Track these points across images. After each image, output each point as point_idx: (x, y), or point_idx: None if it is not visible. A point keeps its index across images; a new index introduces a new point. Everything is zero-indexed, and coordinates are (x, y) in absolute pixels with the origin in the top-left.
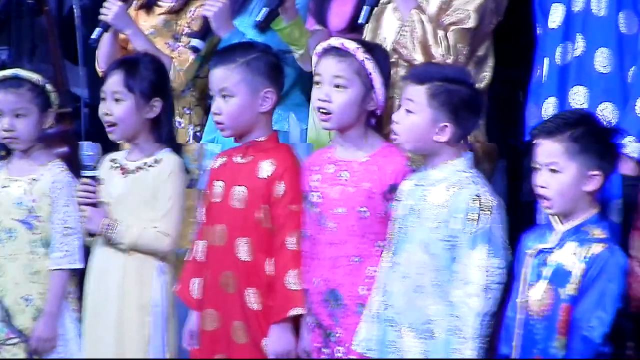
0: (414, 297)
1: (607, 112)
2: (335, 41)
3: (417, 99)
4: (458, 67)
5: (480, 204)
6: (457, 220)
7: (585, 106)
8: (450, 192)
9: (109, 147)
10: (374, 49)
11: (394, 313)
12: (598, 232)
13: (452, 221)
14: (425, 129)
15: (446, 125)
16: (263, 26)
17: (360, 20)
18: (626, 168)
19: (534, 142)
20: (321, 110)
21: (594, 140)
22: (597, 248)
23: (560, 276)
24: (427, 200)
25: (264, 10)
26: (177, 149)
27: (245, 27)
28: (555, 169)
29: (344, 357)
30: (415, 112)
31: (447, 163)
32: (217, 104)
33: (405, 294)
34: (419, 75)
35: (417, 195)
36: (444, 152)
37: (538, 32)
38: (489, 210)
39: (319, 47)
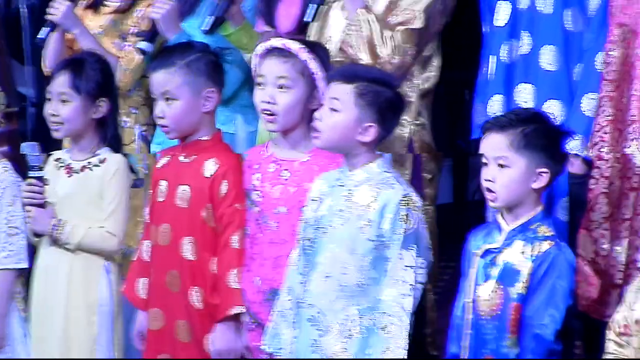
0: (338, 297)
1: (553, 110)
2: (277, 42)
3: (343, 98)
4: (383, 71)
5: (409, 205)
6: (386, 220)
7: (531, 104)
8: (376, 192)
9: (54, 146)
10: (316, 48)
11: (317, 312)
12: (545, 230)
13: (381, 221)
14: (350, 128)
15: (371, 126)
16: (209, 33)
17: (306, 19)
18: (575, 166)
19: (484, 135)
20: (266, 112)
21: (545, 138)
22: (544, 246)
23: (509, 275)
24: (352, 200)
25: (209, 19)
26: (120, 148)
27: (193, 29)
28: (504, 164)
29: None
30: (341, 111)
31: (369, 164)
32: (161, 108)
33: (328, 294)
34: (346, 74)
35: (339, 195)
36: (362, 153)
37: (484, 30)
38: (417, 210)
39: (260, 48)
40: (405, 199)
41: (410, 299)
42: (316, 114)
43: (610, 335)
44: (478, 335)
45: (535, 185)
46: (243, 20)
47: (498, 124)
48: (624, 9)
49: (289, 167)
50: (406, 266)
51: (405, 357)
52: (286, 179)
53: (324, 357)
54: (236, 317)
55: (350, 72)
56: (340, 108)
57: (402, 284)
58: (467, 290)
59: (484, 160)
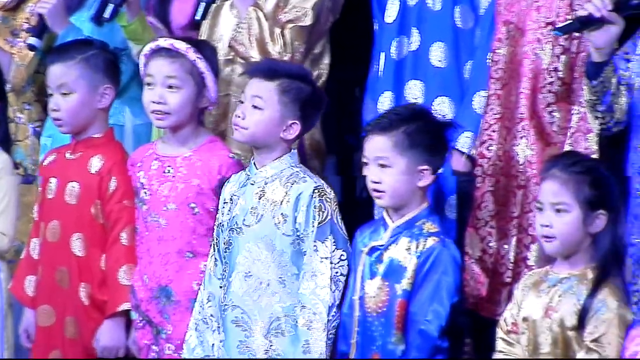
0: (260, 295)
1: (443, 107)
2: (164, 42)
3: (266, 96)
4: (299, 65)
5: (321, 196)
6: (300, 214)
7: (421, 100)
8: (288, 187)
9: None
10: (203, 48)
11: (241, 313)
12: (430, 226)
13: (296, 215)
14: (274, 126)
15: (295, 123)
16: (109, 21)
17: (196, 17)
18: (459, 163)
19: (367, 137)
20: (155, 112)
21: (427, 136)
22: (429, 242)
23: (395, 272)
24: (265, 197)
25: (110, 7)
26: (10, 147)
27: (82, 23)
28: (385, 164)
29: (173, 355)
30: (265, 109)
31: (276, 160)
32: (55, 101)
33: (251, 294)
34: (267, 71)
35: (252, 193)
36: (278, 149)
37: (375, 27)
38: (329, 202)
39: (147, 48)
40: (317, 190)
41: (327, 291)
42: (238, 112)
43: (499, 333)
44: (365, 332)
45: (421, 184)
46: (139, 12)
47: (379, 126)
48: (510, 6)
49: (172, 163)
50: (322, 258)
51: (325, 349)
52: (173, 176)
53: (250, 358)
54: (124, 314)
55: (270, 69)
56: (264, 106)
57: (319, 276)
58: (355, 287)
59: (364, 160)
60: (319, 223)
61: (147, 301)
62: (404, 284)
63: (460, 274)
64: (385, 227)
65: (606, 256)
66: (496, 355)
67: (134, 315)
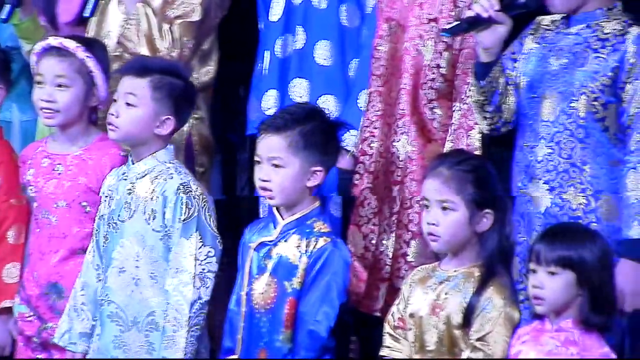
0: (134, 290)
1: (328, 105)
2: (54, 41)
3: (139, 92)
4: (171, 61)
5: (187, 193)
6: (168, 210)
7: (305, 99)
8: (155, 183)
9: None
10: (93, 46)
11: (115, 308)
12: (321, 226)
13: (164, 211)
14: (148, 122)
15: (168, 118)
16: (3, 22)
17: (85, 14)
18: (343, 162)
19: (260, 136)
20: (44, 110)
21: (321, 136)
22: (320, 242)
23: (284, 269)
24: (135, 193)
25: (7, 8)
26: None
27: None
28: (278, 164)
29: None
30: (138, 106)
31: (150, 156)
32: None
33: (125, 289)
34: (138, 68)
35: (124, 189)
36: (153, 145)
37: (260, 26)
38: (196, 199)
39: (38, 47)
40: (182, 187)
41: (191, 287)
42: (111, 110)
43: (386, 328)
44: (252, 328)
45: (310, 184)
46: (33, 10)
47: (274, 126)
48: (392, 3)
49: (62, 161)
50: (187, 254)
51: (185, 346)
52: (60, 174)
53: (127, 354)
54: (9, 312)
55: (141, 65)
56: (137, 103)
57: (183, 272)
58: (242, 283)
59: (257, 159)
60: (184, 219)
61: (37, 297)
62: (294, 282)
63: (349, 275)
64: (275, 224)
65: (492, 254)
66: (383, 351)
67: (23, 309)
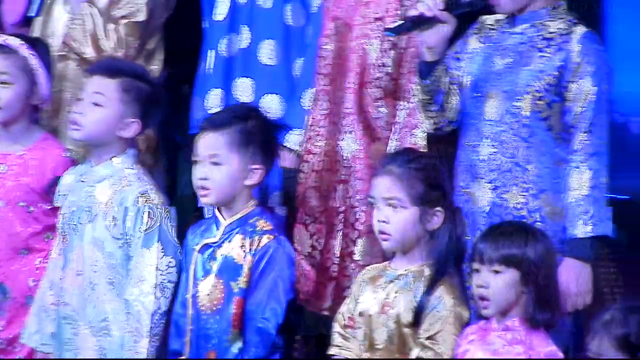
0: (89, 294)
1: (272, 104)
2: None
3: (108, 93)
4: (141, 65)
5: (148, 202)
6: (128, 219)
7: (251, 98)
8: (115, 189)
9: None
10: (36, 44)
11: (71, 311)
12: (263, 224)
13: (125, 219)
14: (113, 124)
15: (134, 122)
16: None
17: (30, 13)
18: (287, 160)
19: (200, 134)
20: None
21: (261, 135)
22: (264, 240)
23: (229, 270)
24: (94, 197)
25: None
26: None
27: None
28: (217, 162)
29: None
30: (105, 106)
31: (112, 159)
32: None
33: (80, 292)
34: (109, 69)
35: (82, 192)
36: (114, 147)
37: (205, 25)
38: (158, 209)
39: None
40: (143, 196)
41: (152, 298)
42: (76, 109)
43: (336, 327)
44: (200, 330)
45: (248, 182)
46: None
47: (213, 123)
48: (338, 2)
49: (5, 160)
50: (148, 265)
51: (148, 356)
52: (3, 173)
53: (78, 357)
54: None
55: (113, 67)
56: (104, 103)
57: (144, 282)
58: (187, 286)
59: (197, 158)
60: (145, 230)
61: None
62: (240, 282)
63: (294, 271)
64: (217, 225)
65: (443, 254)
66: (331, 350)
67: None
